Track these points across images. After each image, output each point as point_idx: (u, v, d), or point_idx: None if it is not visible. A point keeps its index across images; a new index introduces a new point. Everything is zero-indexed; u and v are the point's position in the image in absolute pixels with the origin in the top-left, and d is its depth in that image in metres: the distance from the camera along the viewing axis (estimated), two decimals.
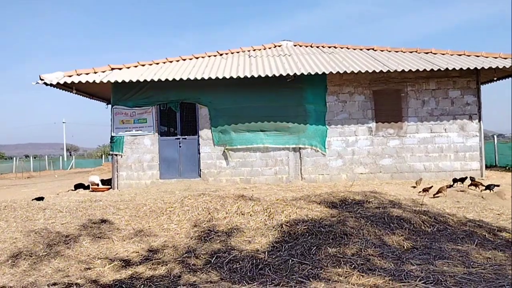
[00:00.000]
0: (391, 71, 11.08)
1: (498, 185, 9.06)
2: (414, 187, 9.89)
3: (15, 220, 6.90)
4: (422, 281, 4.08)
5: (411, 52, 13.31)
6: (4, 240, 5.93)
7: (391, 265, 4.57)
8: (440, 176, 11.61)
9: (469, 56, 12.45)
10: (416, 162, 11.80)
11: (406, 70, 11.00)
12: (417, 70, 11.03)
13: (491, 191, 8.71)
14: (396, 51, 13.47)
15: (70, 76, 11.46)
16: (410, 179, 11.36)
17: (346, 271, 4.40)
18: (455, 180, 9.97)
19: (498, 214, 6.78)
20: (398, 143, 11.84)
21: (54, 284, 4.40)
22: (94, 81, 11.18)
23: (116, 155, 12.01)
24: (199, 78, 11.14)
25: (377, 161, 11.82)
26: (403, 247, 5.07)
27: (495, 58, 11.94)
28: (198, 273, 4.60)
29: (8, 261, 5.18)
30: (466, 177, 10.04)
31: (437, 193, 8.50)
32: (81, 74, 11.62)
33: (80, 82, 11.28)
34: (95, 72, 11.80)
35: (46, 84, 11.26)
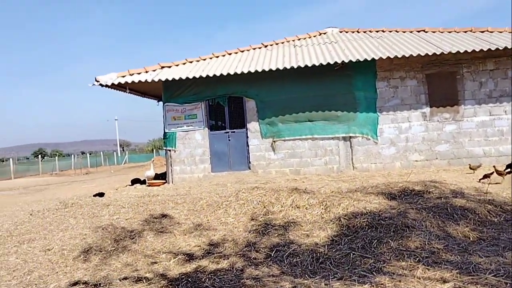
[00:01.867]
0: (445, 53, 10.60)
1: None
2: (471, 173, 9.45)
3: (83, 217, 7.32)
4: (492, 274, 3.94)
5: (465, 31, 12.67)
6: (75, 236, 6.31)
7: (457, 257, 4.43)
8: (502, 161, 11.00)
9: None
10: (475, 147, 11.28)
11: (462, 51, 10.49)
12: (473, 51, 10.48)
13: None
14: (449, 32, 12.86)
15: (123, 76, 11.90)
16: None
17: (410, 265, 4.33)
18: (509, 166, 9.32)
19: None
20: (454, 127, 11.36)
21: (125, 278, 4.64)
22: (146, 80, 11.55)
23: (169, 150, 12.39)
24: (245, 72, 11.21)
25: (433, 148, 11.40)
26: (469, 238, 4.91)
27: None
28: (260, 266, 4.68)
29: (81, 256, 5.51)
30: None
31: (498, 174, 8.11)
32: (133, 74, 12.04)
33: (133, 81, 11.70)
34: (146, 71, 12.18)
35: (101, 85, 11.76)
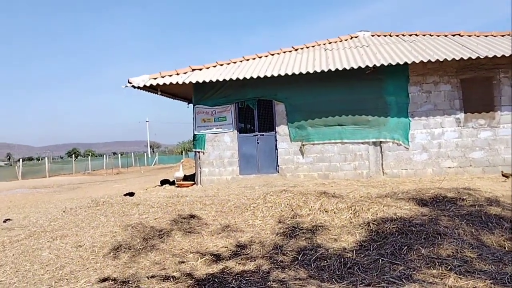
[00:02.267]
0: (481, 57, 10.29)
1: None
2: (505, 181, 9.11)
3: (113, 215, 7.49)
4: None
5: (502, 35, 12.26)
6: (105, 233, 6.45)
7: (491, 267, 4.28)
8: None
9: None
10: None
11: (499, 55, 10.15)
12: (511, 55, 10.12)
13: None
14: (486, 36, 12.48)
15: (155, 78, 12.13)
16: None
17: (441, 273, 4.20)
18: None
19: None
20: (490, 134, 10.99)
21: (153, 276, 4.70)
22: (177, 82, 11.73)
23: (198, 152, 12.52)
24: (275, 75, 11.21)
25: (467, 154, 11.07)
26: (504, 248, 4.73)
27: None
28: (286, 269, 4.65)
29: (110, 254, 5.63)
30: None
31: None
32: (165, 76, 12.25)
33: (164, 83, 11.91)
34: (178, 74, 12.37)
35: (134, 87, 12.02)
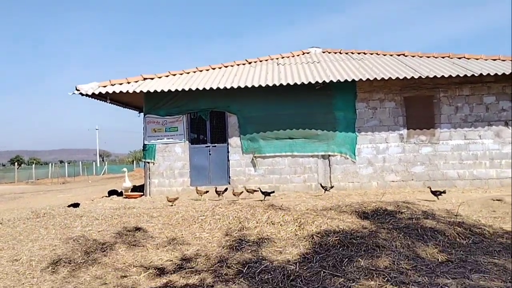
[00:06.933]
0: (423, 77, 10.89)
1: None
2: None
3: (54, 227, 7.18)
4: None
5: (443, 57, 13.05)
6: (44, 247, 6.18)
7: (425, 278, 4.50)
8: (475, 184, 11.30)
9: (504, 60, 12.10)
10: (450, 170, 11.53)
11: (439, 76, 10.79)
12: (450, 76, 10.80)
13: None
14: (428, 57, 13.24)
15: (104, 86, 11.83)
16: (443, 187, 11.09)
17: (379, 284, 4.37)
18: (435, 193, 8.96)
19: None
20: (430, 150, 11.61)
21: None
22: (127, 91, 11.50)
23: (148, 162, 12.29)
24: (228, 87, 11.28)
25: (409, 169, 11.61)
26: (438, 260, 4.98)
27: None
28: (230, 283, 4.66)
29: (49, 268, 5.40)
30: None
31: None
32: (115, 84, 11.98)
33: (114, 92, 11.64)
34: (128, 82, 12.14)
35: (82, 94, 11.65)
